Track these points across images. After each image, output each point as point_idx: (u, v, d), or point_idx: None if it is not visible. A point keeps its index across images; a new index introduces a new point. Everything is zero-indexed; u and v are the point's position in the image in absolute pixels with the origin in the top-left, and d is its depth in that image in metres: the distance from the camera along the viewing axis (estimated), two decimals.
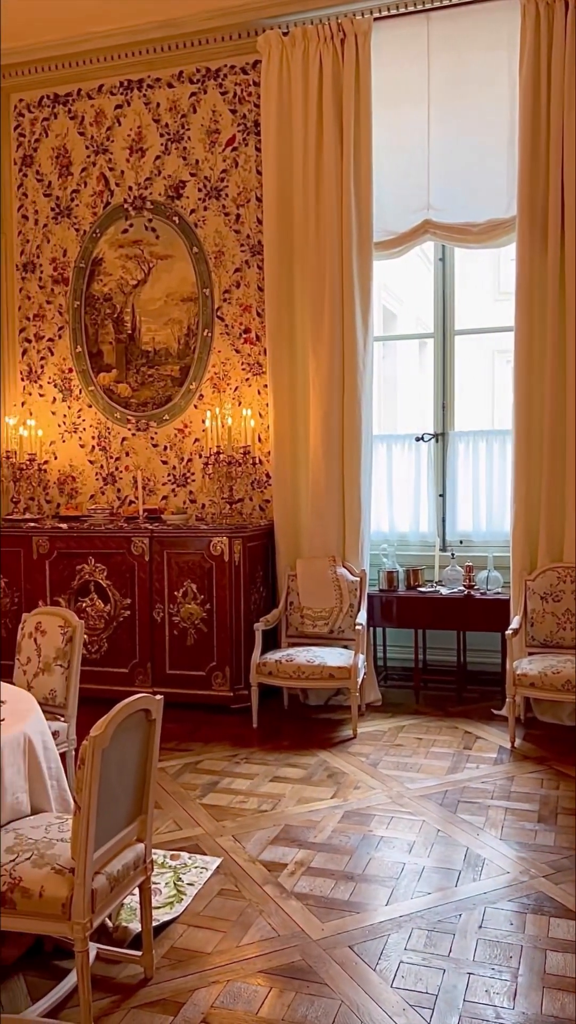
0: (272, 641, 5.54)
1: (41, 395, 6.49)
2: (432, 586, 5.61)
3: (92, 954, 2.56)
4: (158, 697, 2.65)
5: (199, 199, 5.99)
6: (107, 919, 2.90)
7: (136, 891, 2.71)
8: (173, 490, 6.17)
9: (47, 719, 3.57)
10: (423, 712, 5.42)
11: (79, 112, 6.27)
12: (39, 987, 2.66)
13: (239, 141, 5.89)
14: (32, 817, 2.75)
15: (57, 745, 3.57)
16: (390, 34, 5.47)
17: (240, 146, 5.90)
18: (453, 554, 5.73)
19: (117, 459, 6.31)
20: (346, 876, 3.35)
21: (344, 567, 5.51)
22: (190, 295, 6.05)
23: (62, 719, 3.77)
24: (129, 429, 6.26)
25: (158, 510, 5.97)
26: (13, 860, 2.42)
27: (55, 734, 3.62)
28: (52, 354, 6.44)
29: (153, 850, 2.86)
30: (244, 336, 5.95)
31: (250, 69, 5.81)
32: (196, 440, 6.09)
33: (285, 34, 5.55)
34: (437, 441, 5.93)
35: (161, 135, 6.07)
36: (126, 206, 6.17)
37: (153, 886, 2.97)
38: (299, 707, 5.58)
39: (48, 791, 2.90)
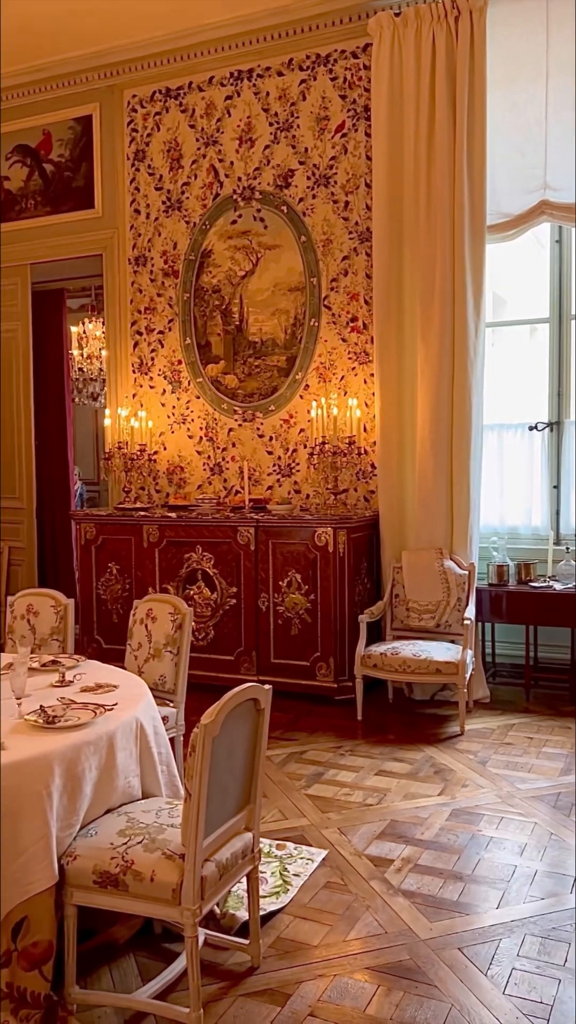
0: (376, 633, 5.48)
1: (151, 387, 6.61)
2: (545, 581, 5.42)
3: (200, 939, 2.58)
4: (267, 687, 2.64)
5: (307, 187, 5.96)
6: (215, 906, 2.92)
7: (244, 880, 2.72)
8: (278, 480, 6.18)
9: (156, 704, 3.63)
10: (533, 711, 5.25)
11: (190, 105, 6.33)
12: (149, 968, 2.70)
13: (348, 127, 5.82)
14: (143, 801, 2.79)
15: (167, 731, 3.62)
16: (506, 9, 5.28)
17: (349, 132, 5.82)
18: (568, 548, 5.51)
19: (224, 450, 6.36)
20: (455, 876, 3.27)
21: (452, 560, 5.39)
22: (297, 284, 6.02)
23: (171, 704, 3.82)
24: (236, 420, 6.30)
25: (263, 500, 5.99)
26: (125, 843, 2.46)
27: (164, 719, 3.67)
28: (162, 346, 6.55)
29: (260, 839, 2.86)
30: (351, 325, 5.89)
31: (360, 53, 5.72)
32: (301, 430, 6.08)
33: (397, 15, 5.44)
34: (552, 430, 5.72)
35: (270, 124, 6.06)
36: (235, 197, 6.19)
37: (259, 875, 2.97)
38: (404, 701, 5.50)
39: (159, 776, 2.94)
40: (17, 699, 2.78)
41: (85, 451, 10.08)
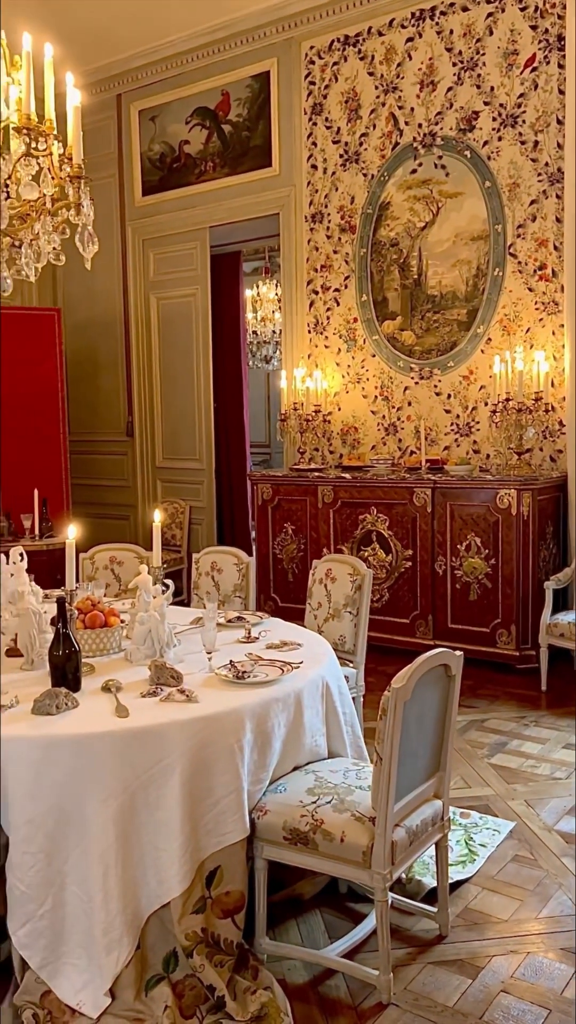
0: (562, 601, 5.21)
1: (326, 346, 6.55)
2: None
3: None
4: (458, 653, 2.54)
5: (492, 129, 5.63)
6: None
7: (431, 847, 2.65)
8: (456, 440, 5.97)
9: None
10: None
11: (368, 51, 6.12)
12: (335, 926, 2.70)
13: (539, 60, 5.43)
14: (329, 760, 2.78)
15: None
16: None
17: (540, 65, 5.43)
18: None
19: (399, 409, 6.21)
20: None
21: None
22: (480, 233, 5.74)
23: (351, 665, 3.79)
24: (412, 378, 6.13)
25: (440, 461, 5.80)
26: (315, 802, 2.45)
27: (345, 679, 3.65)
28: (338, 304, 6.45)
29: None
30: (539, 273, 5.54)
31: None
32: (482, 387, 5.82)
33: None
34: None
35: (453, 64, 5.76)
36: (415, 145, 5.95)
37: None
38: None
39: (344, 736, 2.91)
40: (207, 653, 2.82)
41: (255, 414, 10.21)
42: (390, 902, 2.44)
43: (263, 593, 6.21)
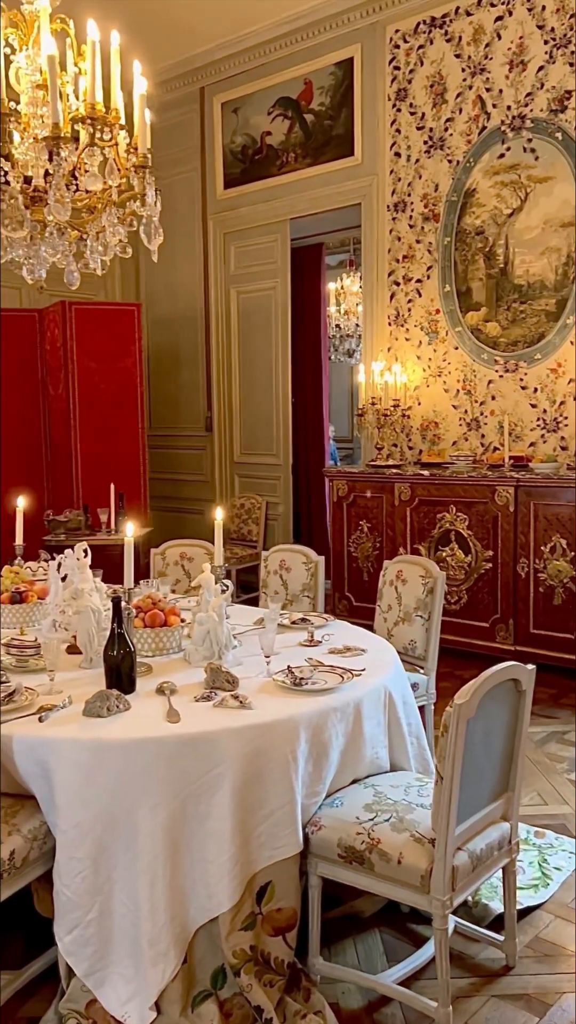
0: None
1: (407, 339, 6.36)
2: None
3: (449, 928, 2.39)
4: (530, 667, 2.37)
5: None
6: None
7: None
8: (542, 436, 5.71)
9: (406, 670, 3.46)
10: None
11: (456, 33, 5.89)
12: (395, 948, 2.58)
13: None
14: (391, 774, 2.64)
15: (416, 698, 3.45)
16: None
17: None
18: None
19: (482, 403, 5.98)
20: None
21: None
22: (571, 220, 5.45)
23: (421, 671, 3.63)
24: (496, 371, 5.89)
25: (525, 458, 5.55)
26: (372, 819, 2.32)
27: (414, 686, 3.49)
28: (420, 296, 6.26)
29: None
30: None
31: None
32: (571, 380, 5.54)
33: None
34: None
35: (545, 42, 5.48)
36: (503, 128, 5.70)
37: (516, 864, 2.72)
38: None
39: (407, 748, 2.77)
40: (266, 656, 2.72)
41: (340, 409, 10.08)
42: (452, 929, 2.29)
43: (338, 591, 6.09)
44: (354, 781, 2.57)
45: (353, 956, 2.55)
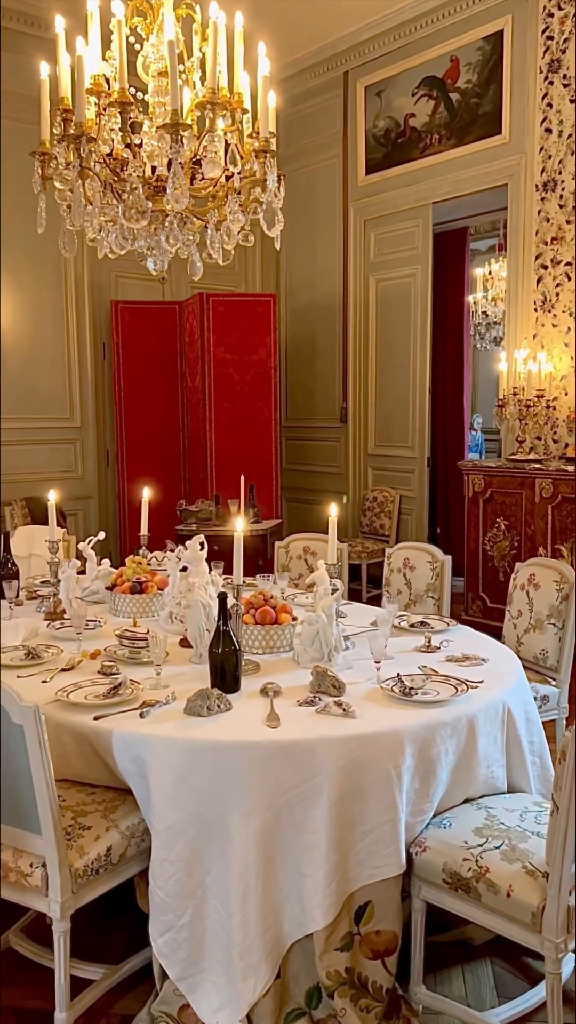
0: None
1: (554, 325, 5.99)
2: None
3: (567, 970, 2.18)
4: None
5: None
6: None
7: None
8: None
9: (535, 681, 3.24)
10: None
11: None
12: (507, 982, 2.40)
13: None
14: (507, 796, 2.45)
15: (545, 712, 3.22)
16: None
17: None
18: None
19: None
20: None
21: None
22: None
23: (552, 683, 3.39)
24: None
25: None
26: (481, 845, 2.15)
27: (544, 699, 3.27)
28: (568, 279, 5.87)
29: None
30: None
31: None
32: None
33: None
34: None
35: None
36: None
37: None
38: None
39: (528, 769, 2.57)
40: (376, 662, 2.59)
41: (487, 399, 9.70)
42: (568, 972, 2.09)
43: (471, 591, 5.84)
44: (466, 800, 2.40)
45: (460, 987, 2.39)
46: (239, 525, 2.69)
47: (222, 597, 2.51)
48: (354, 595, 5.44)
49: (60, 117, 2.85)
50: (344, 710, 2.28)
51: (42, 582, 3.89)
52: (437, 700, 2.36)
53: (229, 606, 2.55)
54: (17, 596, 3.65)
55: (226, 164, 2.96)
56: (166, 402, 7.09)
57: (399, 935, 2.21)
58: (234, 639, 2.49)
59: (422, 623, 3.16)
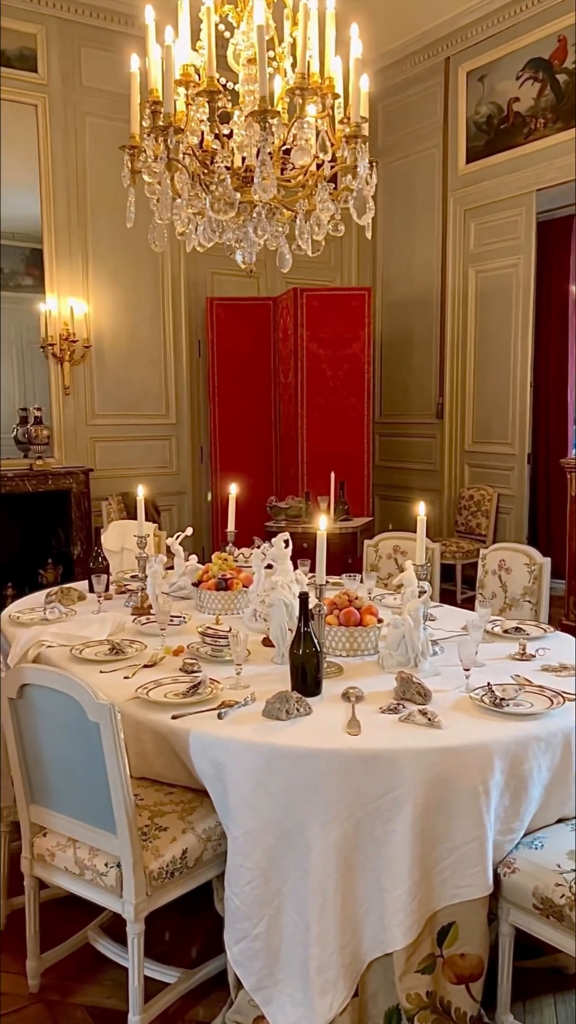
0: None
1: None
2: None
3: None
4: None
5: None
6: None
7: None
8: None
9: None
10: None
11: None
12: None
13: None
14: None
15: None
16: None
17: None
18: None
19: None
20: None
21: None
22: None
23: None
24: None
25: None
26: None
27: None
28: None
29: None
30: None
31: None
32: None
33: None
34: None
35: None
36: None
37: None
38: None
39: None
40: (465, 669, 2.46)
41: None
42: None
43: (572, 596, 5.59)
44: (559, 820, 2.25)
45: (551, 1017, 2.25)
46: (323, 523, 2.61)
47: (303, 597, 2.44)
48: (447, 597, 5.27)
49: (149, 110, 2.83)
50: (429, 719, 2.17)
51: (131, 577, 3.91)
52: (530, 712, 2.22)
53: (311, 606, 2.47)
54: (107, 590, 3.67)
55: (316, 152, 2.88)
56: (259, 398, 7.07)
57: (485, 960, 2.09)
58: (315, 641, 2.41)
59: (517, 629, 3.00)
